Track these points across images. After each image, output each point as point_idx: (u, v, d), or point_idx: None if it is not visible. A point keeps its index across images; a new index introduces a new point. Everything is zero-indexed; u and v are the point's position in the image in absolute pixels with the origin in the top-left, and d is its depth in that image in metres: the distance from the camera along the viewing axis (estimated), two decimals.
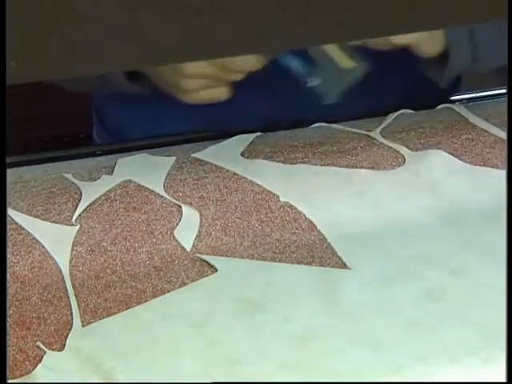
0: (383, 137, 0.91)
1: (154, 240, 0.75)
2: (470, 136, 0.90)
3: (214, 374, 0.59)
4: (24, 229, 0.77)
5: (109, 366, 0.60)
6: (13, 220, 0.78)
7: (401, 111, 0.96)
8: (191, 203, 0.80)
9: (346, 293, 0.67)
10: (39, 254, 0.74)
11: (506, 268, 0.60)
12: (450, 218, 0.76)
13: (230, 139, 0.91)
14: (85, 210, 0.80)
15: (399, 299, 0.66)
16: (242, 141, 0.91)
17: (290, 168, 0.86)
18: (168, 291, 0.68)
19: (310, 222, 0.77)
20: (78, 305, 0.67)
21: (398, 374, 0.59)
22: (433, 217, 0.77)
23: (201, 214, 0.78)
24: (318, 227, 0.76)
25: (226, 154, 0.89)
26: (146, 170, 0.86)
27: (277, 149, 0.89)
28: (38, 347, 0.63)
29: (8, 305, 0.67)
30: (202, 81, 0.86)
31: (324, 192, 0.81)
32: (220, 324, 0.64)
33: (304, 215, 0.78)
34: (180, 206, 0.80)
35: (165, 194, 0.82)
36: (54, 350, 0.62)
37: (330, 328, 0.63)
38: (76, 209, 0.80)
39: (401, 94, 0.98)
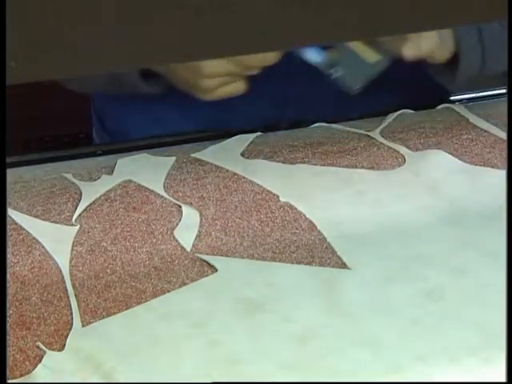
0: (383, 137, 0.91)
1: (154, 240, 0.75)
2: (470, 136, 0.90)
3: (214, 374, 0.59)
4: (24, 229, 0.77)
5: (109, 366, 0.60)
6: (13, 220, 0.78)
7: (401, 111, 0.96)
8: (191, 203, 0.80)
9: (346, 293, 0.67)
10: (39, 254, 0.74)
11: (506, 268, 0.60)
12: (450, 218, 0.76)
13: (230, 139, 0.91)
14: (85, 210, 0.80)
15: (399, 299, 0.66)
16: (241, 141, 0.91)
17: (289, 168, 0.86)
18: (168, 291, 0.68)
19: (310, 222, 0.77)
20: (78, 305, 0.67)
21: (398, 373, 0.59)
22: (433, 217, 0.77)
23: (201, 214, 0.78)
24: (318, 227, 0.76)
25: (226, 153, 0.89)
26: (146, 170, 0.86)
27: (277, 149, 0.89)
28: (38, 347, 0.63)
29: (8, 305, 0.67)
30: (221, 79, 0.87)
31: (324, 192, 0.81)
32: (220, 324, 0.64)
33: (304, 215, 0.78)
34: (180, 206, 0.80)
35: (165, 194, 0.82)
36: (53, 349, 0.62)
37: (330, 328, 0.63)
38: (76, 209, 0.80)
39: (401, 94, 0.98)
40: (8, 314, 0.66)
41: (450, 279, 0.68)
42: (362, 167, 0.86)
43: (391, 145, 0.89)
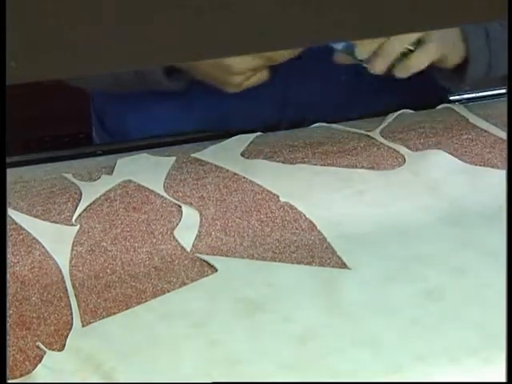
0: (383, 137, 0.91)
1: (154, 240, 0.75)
2: (470, 136, 0.90)
3: (214, 374, 0.59)
4: (24, 229, 0.77)
5: (109, 366, 0.60)
6: (13, 220, 0.78)
7: (401, 111, 0.96)
8: (191, 203, 0.80)
9: (346, 293, 0.67)
10: (39, 254, 0.74)
11: (506, 268, 0.60)
12: (450, 218, 0.76)
13: (230, 139, 0.91)
14: (85, 210, 0.80)
15: (399, 299, 0.66)
16: (241, 141, 0.91)
17: (289, 168, 0.86)
18: (168, 291, 0.68)
19: (310, 222, 0.77)
20: (78, 305, 0.67)
21: (398, 373, 0.59)
22: (433, 217, 0.77)
23: (201, 214, 0.78)
24: (318, 227, 0.76)
25: (226, 153, 0.89)
26: (146, 170, 0.86)
27: (277, 149, 0.89)
28: (38, 347, 0.63)
29: (8, 305, 0.67)
30: (248, 73, 0.88)
31: (324, 192, 0.81)
32: (220, 324, 0.64)
33: (304, 215, 0.78)
34: (180, 206, 0.80)
35: (165, 194, 0.82)
36: (54, 349, 0.62)
37: (330, 328, 0.63)
38: (76, 209, 0.80)
39: (401, 94, 0.98)
40: (8, 314, 0.66)
41: (450, 279, 0.68)
42: (362, 167, 0.86)
43: (391, 145, 0.89)
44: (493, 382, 0.58)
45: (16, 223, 0.78)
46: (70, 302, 0.67)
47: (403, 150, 0.88)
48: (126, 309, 0.66)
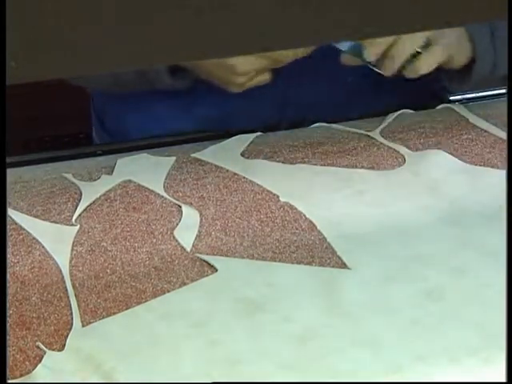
0: (383, 137, 0.91)
1: (154, 240, 0.75)
2: (470, 136, 0.90)
3: (214, 374, 0.59)
4: (24, 229, 0.77)
5: (109, 366, 0.60)
6: (13, 220, 0.78)
7: (401, 111, 0.96)
8: (191, 203, 0.80)
9: (346, 293, 0.67)
10: (39, 254, 0.74)
11: (506, 268, 0.60)
12: (450, 218, 0.76)
13: (230, 139, 0.91)
14: (85, 209, 0.80)
15: (399, 299, 0.66)
16: (242, 141, 0.91)
17: (289, 168, 0.86)
18: (168, 291, 0.68)
19: (310, 222, 0.77)
20: (78, 305, 0.67)
21: (398, 373, 0.59)
22: (433, 217, 0.77)
23: (201, 214, 0.78)
24: (318, 227, 0.76)
25: (226, 153, 0.89)
26: (146, 170, 0.86)
27: (277, 149, 0.89)
28: (38, 347, 0.63)
29: (8, 305, 0.67)
30: (251, 74, 0.88)
31: (324, 192, 0.81)
32: (220, 324, 0.64)
33: (304, 215, 0.78)
34: (180, 206, 0.80)
35: (165, 194, 0.82)
36: (54, 350, 0.62)
37: (330, 328, 0.63)
38: (76, 209, 0.80)
39: (401, 94, 0.98)
40: (8, 314, 0.66)
41: (450, 279, 0.68)
42: (362, 167, 0.86)
43: (391, 145, 0.89)
44: (493, 382, 0.58)
45: (16, 223, 0.78)
46: (70, 301, 0.67)
47: (403, 149, 0.88)
48: (126, 309, 0.66)
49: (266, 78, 0.90)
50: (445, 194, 0.80)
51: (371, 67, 0.87)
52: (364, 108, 0.96)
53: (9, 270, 0.71)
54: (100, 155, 0.90)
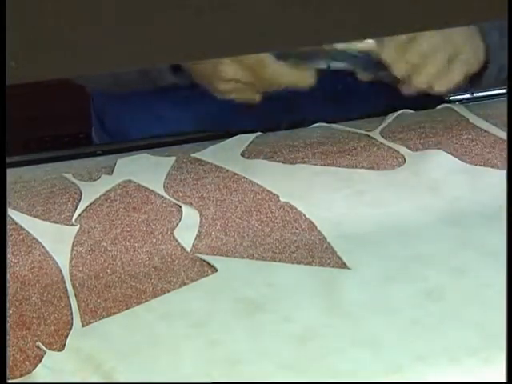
0: (383, 137, 0.91)
1: (154, 240, 0.75)
2: (470, 136, 0.90)
3: (214, 374, 0.59)
4: (24, 229, 0.77)
5: (109, 366, 0.60)
6: (13, 220, 0.78)
7: (401, 111, 0.96)
8: (191, 203, 0.80)
9: (346, 293, 0.67)
10: (39, 254, 0.74)
11: (506, 268, 0.60)
12: (450, 218, 0.76)
13: (230, 139, 0.91)
14: (85, 210, 0.80)
15: (399, 299, 0.66)
16: (242, 141, 0.91)
17: (290, 168, 0.86)
18: (168, 291, 0.68)
19: (310, 222, 0.77)
20: (78, 305, 0.67)
21: (398, 373, 0.59)
22: (433, 217, 0.77)
23: (201, 214, 0.78)
24: (318, 227, 0.76)
25: (226, 153, 0.89)
26: (146, 170, 0.86)
27: (277, 149, 0.89)
28: (38, 347, 0.63)
29: (8, 305, 0.67)
30: (236, 85, 0.88)
31: (324, 192, 0.81)
32: (220, 324, 0.64)
33: (304, 215, 0.78)
34: (180, 206, 0.80)
35: (165, 194, 0.82)
36: (53, 350, 0.62)
37: (330, 328, 0.63)
38: (76, 209, 0.80)
39: (401, 94, 0.98)
40: (8, 314, 0.66)
41: (450, 279, 0.68)
42: (362, 167, 0.86)
43: (391, 145, 0.89)
44: (493, 382, 0.58)
45: (16, 223, 0.78)
46: (70, 301, 0.67)
47: (403, 149, 0.88)
48: (126, 309, 0.66)
49: (254, 97, 0.90)
50: (445, 194, 0.80)
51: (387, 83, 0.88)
52: (364, 108, 0.96)
53: (9, 270, 0.71)
54: (100, 155, 0.90)
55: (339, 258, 0.71)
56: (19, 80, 0.44)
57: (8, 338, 0.63)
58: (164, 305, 0.67)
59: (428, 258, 0.71)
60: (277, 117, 0.96)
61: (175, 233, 0.76)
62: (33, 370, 0.60)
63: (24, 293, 0.69)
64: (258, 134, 0.92)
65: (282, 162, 0.87)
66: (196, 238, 0.75)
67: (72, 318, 0.65)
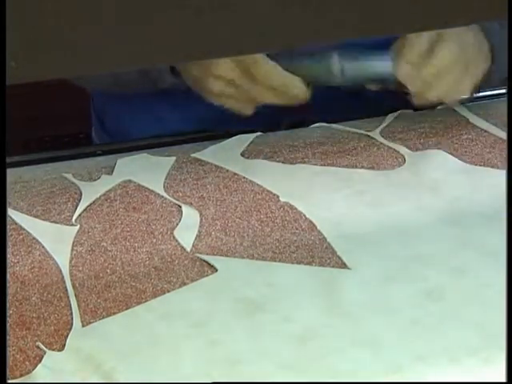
0: (383, 137, 0.91)
1: (154, 240, 0.75)
2: (470, 136, 0.90)
3: (214, 374, 0.59)
4: (24, 229, 0.77)
5: (109, 366, 0.60)
6: (13, 220, 0.78)
7: (401, 111, 0.96)
8: (191, 203, 0.80)
9: (346, 293, 0.67)
10: (39, 254, 0.74)
11: (506, 268, 0.60)
12: (450, 217, 0.76)
13: (230, 139, 0.91)
14: (85, 210, 0.80)
15: (399, 299, 0.66)
16: (242, 141, 0.91)
17: (290, 168, 0.86)
18: (168, 291, 0.68)
19: (310, 222, 0.77)
20: (78, 305, 0.67)
21: (398, 373, 0.59)
22: (433, 217, 0.77)
23: (201, 214, 0.78)
24: (318, 227, 0.76)
25: (226, 153, 0.89)
26: (146, 170, 0.86)
27: (277, 149, 0.89)
28: (38, 347, 0.63)
29: (8, 305, 0.67)
30: (225, 83, 0.87)
31: (324, 192, 0.81)
32: (220, 324, 0.64)
33: (304, 215, 0.78)
34: (180, 206, 0.80)
35: (165, 194, 0.82)
36: (54, 350, 0.62)
37: (330, 328, 0.63)
38: (76, 209, 0.80)
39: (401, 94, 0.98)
40: (8, 314, 0.66)
41: (450, 279, 0.68)
42: (362, 167, 0.86)
43: (391, 145, 0.89)
44: (493, 382, 0.58)
45: (16, 223, 0.78)
46: (70, 301, 0.67)
47: (403, 149, 0.88)
48: (126, 309, 0.66)
49: (246, 111, 0.88)
50: (445, 193, 0.80)
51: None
52: (364, 108, 0.96)
53: (9, 270, 0.71)
54: (100, 155, 0.90)
55: (339, 258, 0.71)
56: (19, 80, 0.44)
57: (8, 338, 0.63)
58: (164, 305, 0.67)
59: (428, 257, 0.71)
60: (277, 117, 0.96)
61: (175, 233, 0.76)
62: (33, 370, 0.60)
63: (24, 293, 0.69)
64: (258, 134, 0.92)
65: (282, 162, 0.87)
66: (196, 238, 0.75)
67: (72, 318, 0.65)
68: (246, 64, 0.85)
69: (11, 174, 0.85)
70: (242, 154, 0.89)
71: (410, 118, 0.95)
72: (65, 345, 0.63)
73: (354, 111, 0.96)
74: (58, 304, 0.67)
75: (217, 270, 0.70)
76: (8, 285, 0.69)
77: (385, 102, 0.97)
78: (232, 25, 0.45)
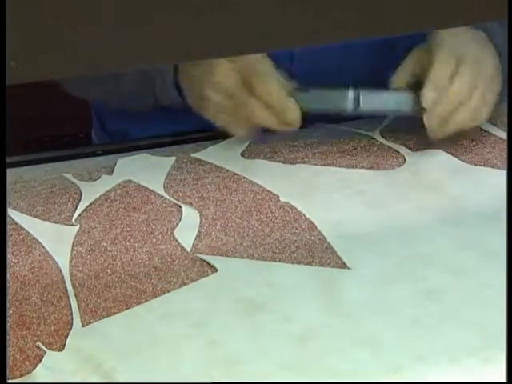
0: (383, 137, 0.91)
1: (154, 240, 0.75)
2: (470, 136, 0.90)
3: (214, 374, 0.59)
4: (24, 229, 0.77)
5: (109, 366, 0.60)
6: (13, 220, 0.78)
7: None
8: (191, 203, 0.80)
9: (346, 293, 0.67)
10: (39, 254, 0.74)
11: (506, 268, 0.60)
12: (450, 218, 0.76)
13: (230, 139, 0.91)
14: (85, 210, 0.80)
15: (399, 299, 0.66)
16: (242, 141, 0.91)
17: (290, 168, 0.86)
18: (168, 291, 0.68)
19: (310, 222, 0.77)
20: (78, 305, 0.67)
21: (398, 373, 0.59)
22: (433, 217, 0.77)
23: (201, 214, 0.78)
24: (318, 227, 0.76)
25: (226, 153, 0.89)
26: (146, 170, 0.86)
27: (277, 149, 0.89)
28: (38, 347, 0.63)
29: (8, 305, 0.67)
30: (226, 101, 0.86)
31: (324, 192, 0.81)
32: (220, 324, 0.64)
33: (304, 215, 0.78)
34: (180, 206, 0.80)
35: (165, 194, 0.82)
36: (54, 350, 0.62)
37: (330, 328, 0.63)
38: (76, 209, 0.80)
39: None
40: (8, 314, 0.66)
41: (450, 279, 0.68)
42: (362, 167, 0.86)
43: (391, 145, 0.89)
44: (493, 382, 0.58)
45: (16, 223, 0.78)
46: (70, 301, 0.67)
47: (403, 150, 0.88)
48: (126, 309, 0.66)
49: (240, 132, 0.88)
50: (445, 193, 0.80)
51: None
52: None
53: (9, 270, 0.71)
54: (100, 155, 0.90)
55: (339, 258, 0.71)
56: (19, 80, 0.44)
57: (8, 338, 0.63)
58: (164, 305, 0.67)
59: (428, 258, 0.71)
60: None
61: (175, 233, 0.76)
62: (33, 370, 0.60)
63: (24, 293, 0.69)
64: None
65: (282, 162, 0.87)
66: (196, 238, 0.75)
67: (72, 318, 0.65)
68: (248, 73, 0.84)
69: (11, 174, 0.85)
70: (242, 154, 0.89)
71: (410, 118, 0.95)
72: (65, 345, 0.63)
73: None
74: (58, 304, 0.67)
75: (217, 270, 0.70)
76: (8, 285, 0.69)
77: None
78: (232, 25, 0.45)
